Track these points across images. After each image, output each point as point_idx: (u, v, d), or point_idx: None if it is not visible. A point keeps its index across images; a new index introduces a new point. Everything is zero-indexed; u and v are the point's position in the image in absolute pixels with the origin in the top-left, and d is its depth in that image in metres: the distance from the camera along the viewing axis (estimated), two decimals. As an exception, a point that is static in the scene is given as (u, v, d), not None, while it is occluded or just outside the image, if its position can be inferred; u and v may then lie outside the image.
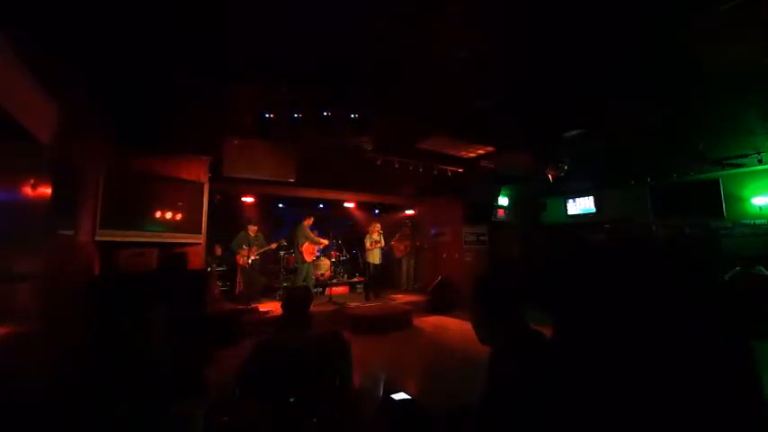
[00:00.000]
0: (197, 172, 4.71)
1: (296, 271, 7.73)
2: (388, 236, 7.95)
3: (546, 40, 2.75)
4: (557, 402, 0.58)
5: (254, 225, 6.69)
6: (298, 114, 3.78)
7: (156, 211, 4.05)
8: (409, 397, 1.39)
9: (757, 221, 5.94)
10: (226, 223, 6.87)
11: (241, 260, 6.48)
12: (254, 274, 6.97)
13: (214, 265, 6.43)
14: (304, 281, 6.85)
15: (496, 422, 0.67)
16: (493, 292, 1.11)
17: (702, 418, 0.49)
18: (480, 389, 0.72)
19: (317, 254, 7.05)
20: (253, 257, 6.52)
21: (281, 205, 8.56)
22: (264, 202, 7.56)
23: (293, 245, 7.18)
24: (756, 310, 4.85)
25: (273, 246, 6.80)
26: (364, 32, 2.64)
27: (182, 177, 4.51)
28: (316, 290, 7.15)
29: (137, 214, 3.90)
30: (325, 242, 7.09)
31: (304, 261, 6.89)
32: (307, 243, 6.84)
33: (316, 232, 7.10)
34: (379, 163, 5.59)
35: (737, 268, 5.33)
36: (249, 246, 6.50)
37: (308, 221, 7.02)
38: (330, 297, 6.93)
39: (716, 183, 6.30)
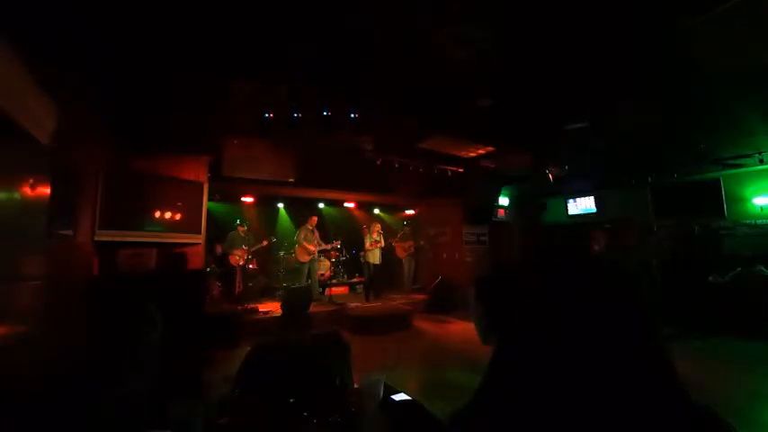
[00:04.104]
0: (196, 172, 4.70)
1: (296, 271, 7.76)
2: (388, 236, 7.96)
3: (546, 39, 2.75)
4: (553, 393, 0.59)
5: (243, 225, 6.66)
6: (298, 114, 3.78)
7: (155, 210, 4.04)
8: (409, 397, 1.39)
9: (758, 221, 5.93)
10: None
11: (234, 261, 6.43)
12: (252, 274, 6.97)
13: (214, 265, 6.41)
14: (307, 280, 6.83)
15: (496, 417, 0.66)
16: (494, 291, 1.10)
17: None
18: (481, 385, 0.71)
19: (315, 255, 7.00)
20: (246, 257, 6.51)
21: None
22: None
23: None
24: (757, 310, 4.85)
25: (265, 243, 6.77)
26: (365, 31, 2.63)
27: (181, 177, 4.50)
28: (318, 290, 7.09)
29: (136, 214, 3.89)
30: (313, 248, 6.84)
31: (299, 261, 6.89)
32: (298, 245, 6.83)
33: (317, 233, 7.07)
34: (379, 163, 5.59)
35: (738, 268, 5.33)
36: (240, 246, 6.48)
37: (311, 222, 6.98)
38: (330, 297, 6.92)
39: (717, 183, 6.29)
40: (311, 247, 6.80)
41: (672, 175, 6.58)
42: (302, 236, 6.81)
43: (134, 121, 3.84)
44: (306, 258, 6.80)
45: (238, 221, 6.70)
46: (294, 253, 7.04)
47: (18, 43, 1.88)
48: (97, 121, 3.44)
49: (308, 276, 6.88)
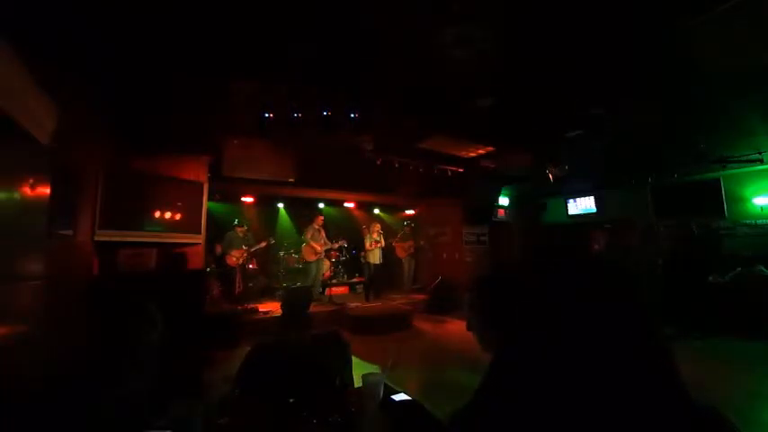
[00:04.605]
0: (196, 172, 4.70)
1: (296, 271, 7.76)
2: (388, 236, 7.96)
3: (547, 39, 2.75)
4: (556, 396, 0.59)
5: (242, 225, 6.60)
6: (298, 114, 3.78)
7: (155, 210, 4.04)
8: (409, 397, 1.39)
9: (758, 221, 5.93)
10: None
11: (231, 262, 6.36)
12: (252, 274, 6.96)
13: (213, 266, 6.40)
14: (314, 279, 6.84)
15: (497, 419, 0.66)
16: (494, 291, 1.10)
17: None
18: (481, 386, 0.71)
19: (323, 255, 7.01)
20: (244, 257, 6.45)
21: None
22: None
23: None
24: (757, 310, 4.85)
25: (263, 244, 6.73)
26: (365, 31, 2.63)
27: (181, 177, 4.50)
28: (318, 289, 7.09)
29: (136, 214, 3.88)
30: (319, 247, 6.85)
31: (306, 261, 6.89)
32: (305, 245, 6.84)
33: (324, 233, 7.07)
34: (379, 163, 5.59)
35: (738, 268, 5.33)
36: (238, 246, 6.42)
37: (317, 221, 7.00)
38: (330, 297, 6.92)
39: (717, 183, 6.28)
40: (319, 247, 6.80)
41: (672, 175, 6.57)
42: (309, 235, 6.83)
43: (134, 121, 3.84)
44: (313, 257, 6.81)
45: (236, 222, 6.63)
46: (301, 252, 7.03)
47: (18, 43, 1.88)
48: (97, 121, 3.44)
49: (314, 276, 6.89)
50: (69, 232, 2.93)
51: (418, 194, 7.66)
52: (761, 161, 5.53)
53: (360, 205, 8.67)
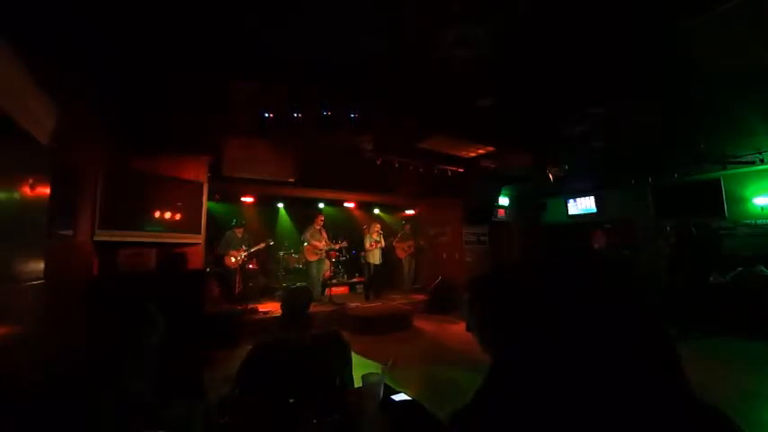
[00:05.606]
0: (196, 172, 4.70)
1: (296, 271, 7.77)
2: (388, 236, 7.96)
3: (547, 39, 2.75)
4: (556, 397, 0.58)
5: (240, 227, 6.52)
6: (298, 114, 3.78)
7: (155, 210, 4.04)
8: (409, 397, 1.39)
9: (759, 221, 5.93)
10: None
11: (229, 262, 6.29)
12: (252, 274, 6.95)
13: (213, 266, 6.39)
14: (314, 279, 6.84)
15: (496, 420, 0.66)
16: (495, 293, 1.10)
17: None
18: (482, 387, 0.71)
19: (324, 254, 7.00)
20: (242, 258, 6.38)
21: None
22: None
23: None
24: (758, 310, 4.85)
25: (262, 245, 6.67)
26: (366, 32, 2.63)
27: (181, 177, 4.50)
28: (318, 289, 7.08)
29: (136, 214, 3.88)
30: (323, 245, 6.89)
31: (307, 261, 6.89)
32: (307, 244, 6.84)
33: (325, 233, 7.05)
34: (379, 163, 5.59)
35: (739, 268, 5.33)
36: (237, 247, 6.34)
37: (318, 221, 7.00)
38: (330, 297, 6.92)
39: (717, 183, 6.29)
40: (320, 246, 6.79)
41: (672, 175, 6.57)
42: (310, 234, 6.83)
43: (134, 121, 3.84)
44: (314, 257, 6.81)
45: (234, 222, 6.56)
46: (302, 252, 7.02)
47: (18, 43, 1.88)
48: (97, 121, 3.44)
49: (315, 275, 6.88)
50: (69, 232, 2.93)
51: (418, 194, 7.66)
52: (761, 161, 5.53)
53: (360, 205, 8.66)
